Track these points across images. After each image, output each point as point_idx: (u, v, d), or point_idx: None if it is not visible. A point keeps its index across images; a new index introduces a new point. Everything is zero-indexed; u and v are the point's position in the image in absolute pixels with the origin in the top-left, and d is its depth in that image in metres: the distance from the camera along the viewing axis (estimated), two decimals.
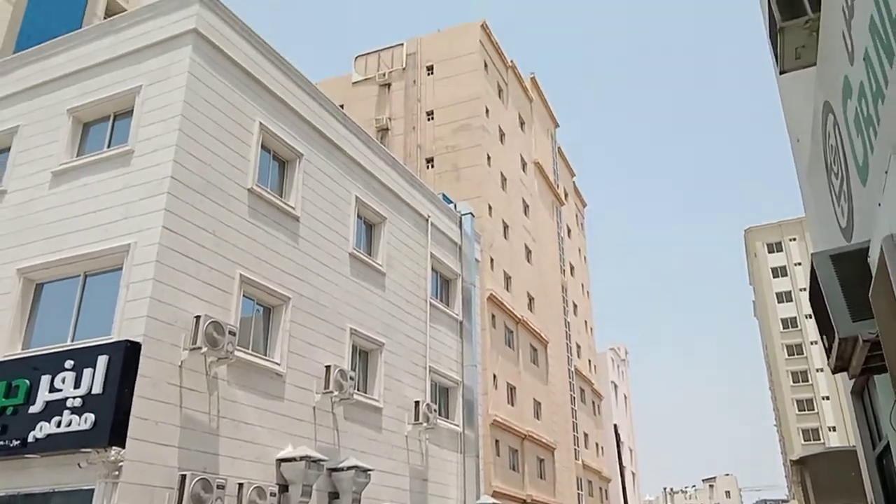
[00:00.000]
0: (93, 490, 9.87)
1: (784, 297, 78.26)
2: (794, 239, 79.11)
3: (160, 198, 11.52)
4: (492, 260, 32.16)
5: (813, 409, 73.44)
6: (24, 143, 13.65)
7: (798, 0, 4.98)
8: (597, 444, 49.02)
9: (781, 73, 5.54)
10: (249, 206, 13.35)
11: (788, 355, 76.45)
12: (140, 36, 13.21)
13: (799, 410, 74.09)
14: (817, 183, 5.49)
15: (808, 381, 74.56)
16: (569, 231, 49.94)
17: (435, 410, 17.81)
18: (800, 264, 77.87)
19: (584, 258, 55.08)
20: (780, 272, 79.51)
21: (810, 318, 74.43)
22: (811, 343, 74.59)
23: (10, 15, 28.59)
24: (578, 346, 47.46)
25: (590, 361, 51.13)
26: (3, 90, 14.47)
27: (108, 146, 12.83)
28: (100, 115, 13.32)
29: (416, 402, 17.23)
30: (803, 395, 74.35)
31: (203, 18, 12.96)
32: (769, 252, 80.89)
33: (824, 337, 3.52)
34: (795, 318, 76.94)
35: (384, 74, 37.52)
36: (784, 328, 77.37)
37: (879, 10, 3.15)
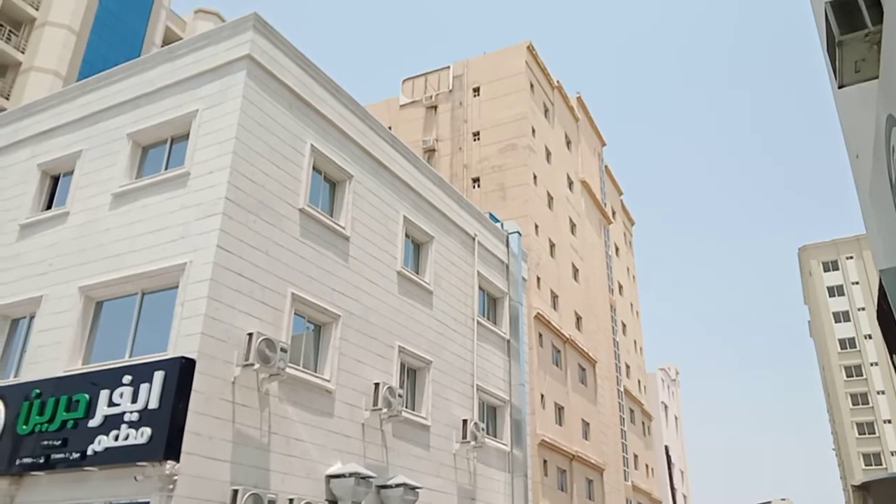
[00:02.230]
0: (148, 503, 10.11)
1: (841, 316, 75.87)
2: (851, 257, 76.79)
3: (215, 218, 11.82)
4: (538, 279, 31.97)
5: (874, 433, 70.72)
6: (87, 166, 14.18)
7: (857, 13, 4.89)
8: (647, 466, 47.97)
9: (840, 87, 5.43)
10: (301, 226, 13.59)
11: (847, 377, 73.92)
12: (196, 62, 13.64)
13: (859, 434, 71.44)
14: (881, 199, 5.35)
15: (868, 403, 71.93)
16: (616, 250, 49.35)
17: (483, 429, 17.72)
18: (857, 283, 75.48)
19: (633, 277, 54.27)
20: (836, 291, 77.16)
21: (869, 338, 72.32)
22: (871, 364, 72.05)
23: (73, 45, 29.89)
24: (627, 366, 46.68)
25: (639, 382, 50.20)
26: (67, 116, 15.09)
27: (166, 168, 13.24)
28: (158, 139, 13.76)
29: (464, 421, 17.18)
30: (863, 419, 71.71)
31: (257, 45, 13.32)
32: (825, 271, 78.61)
33: (894, 356, 3.41)
34: (854, 338, 74.46)
35: (431, 97, 37.83)
36: (842, 349, 74.91)
37: None
